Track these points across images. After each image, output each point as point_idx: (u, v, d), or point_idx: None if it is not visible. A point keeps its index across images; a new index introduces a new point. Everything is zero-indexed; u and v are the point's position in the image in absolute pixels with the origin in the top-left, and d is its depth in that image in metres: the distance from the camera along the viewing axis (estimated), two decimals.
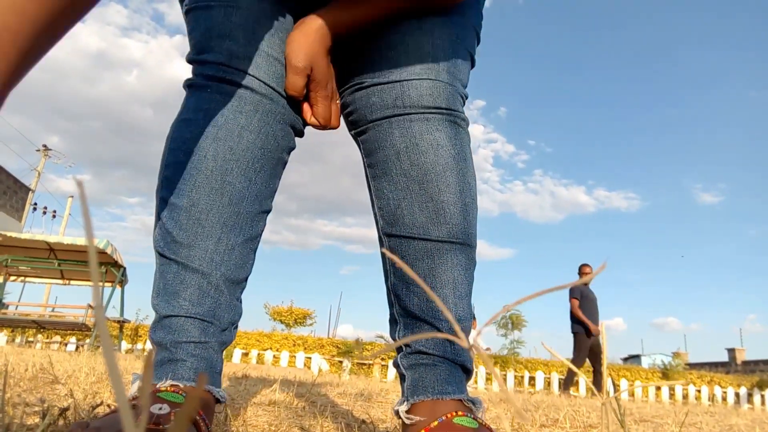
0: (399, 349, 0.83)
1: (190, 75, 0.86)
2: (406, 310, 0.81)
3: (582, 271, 6.42)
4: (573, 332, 6.35)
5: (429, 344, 0.78)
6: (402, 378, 0.81)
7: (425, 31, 0.84)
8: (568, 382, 6.35)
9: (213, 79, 0.82)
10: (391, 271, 0.85)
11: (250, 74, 0.82)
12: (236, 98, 0.82)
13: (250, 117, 0.82)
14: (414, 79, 0.82)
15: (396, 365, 0.83)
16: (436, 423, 0.70)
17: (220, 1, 0.82)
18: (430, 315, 0.79)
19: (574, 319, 6.33)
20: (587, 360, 6.38)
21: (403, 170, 0.82)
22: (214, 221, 0.78)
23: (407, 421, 0.74)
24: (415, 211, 0.81)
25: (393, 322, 0.85)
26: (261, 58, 0.83)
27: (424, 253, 0.80)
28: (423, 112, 0.82)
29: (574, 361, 6.32)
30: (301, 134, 0.91)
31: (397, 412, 0.77)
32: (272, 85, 0.84)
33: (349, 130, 0.93)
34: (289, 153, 0.90)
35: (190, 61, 0.86)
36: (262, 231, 0.86)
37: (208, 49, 0.82)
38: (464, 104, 0.88)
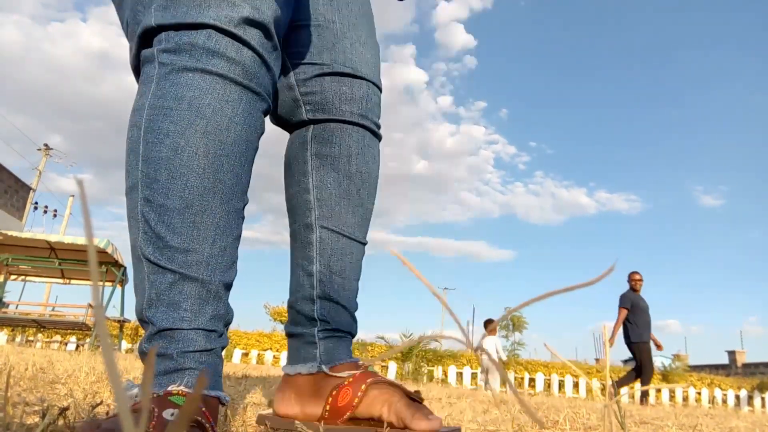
0: (314, 323, 0.95)
1: (161, 44, 0.75)
2: (328, 295, 0.95)
3: (631, 278, 6.14)
4: (631, 342, 5.97)
5: (344, 324, 0.96)
6: (309, 345, 0.95)
7: (370, 19, 1.05)
8: (622, 384, 5.97)
9: (198, 51, 0.74)
10: (317, 259, 0.96)
11: (243, 40, 0.76)
12: (221, 83, 0.75)
13: (235, 106, 0.76)
14: (375, 84, 1.00)
15: (300, 335, 0.96)
16: (358, 372, 0.89)
17: None
18: (345, 298, 0.96)
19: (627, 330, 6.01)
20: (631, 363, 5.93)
21: (349, 173, 0.97)
22: (208, 223, 0.74)
23: (336, 374, 0.90)
24: (349, 213, 0.97)
25: (309, 300, 0.96)
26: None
27: (349, 250, 0.97)
28: (374, 123, 1.00)
29: (641, 371, 5.89)
30: (267, 113, 0.86)
31: (319, 368, 0.92)
32: (263, 53, 0.78)
33: (301, 115, 0.98)
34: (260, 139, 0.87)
35: (165, 26, 0.75)
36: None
37: (203, 4, 0.74)
38: None
